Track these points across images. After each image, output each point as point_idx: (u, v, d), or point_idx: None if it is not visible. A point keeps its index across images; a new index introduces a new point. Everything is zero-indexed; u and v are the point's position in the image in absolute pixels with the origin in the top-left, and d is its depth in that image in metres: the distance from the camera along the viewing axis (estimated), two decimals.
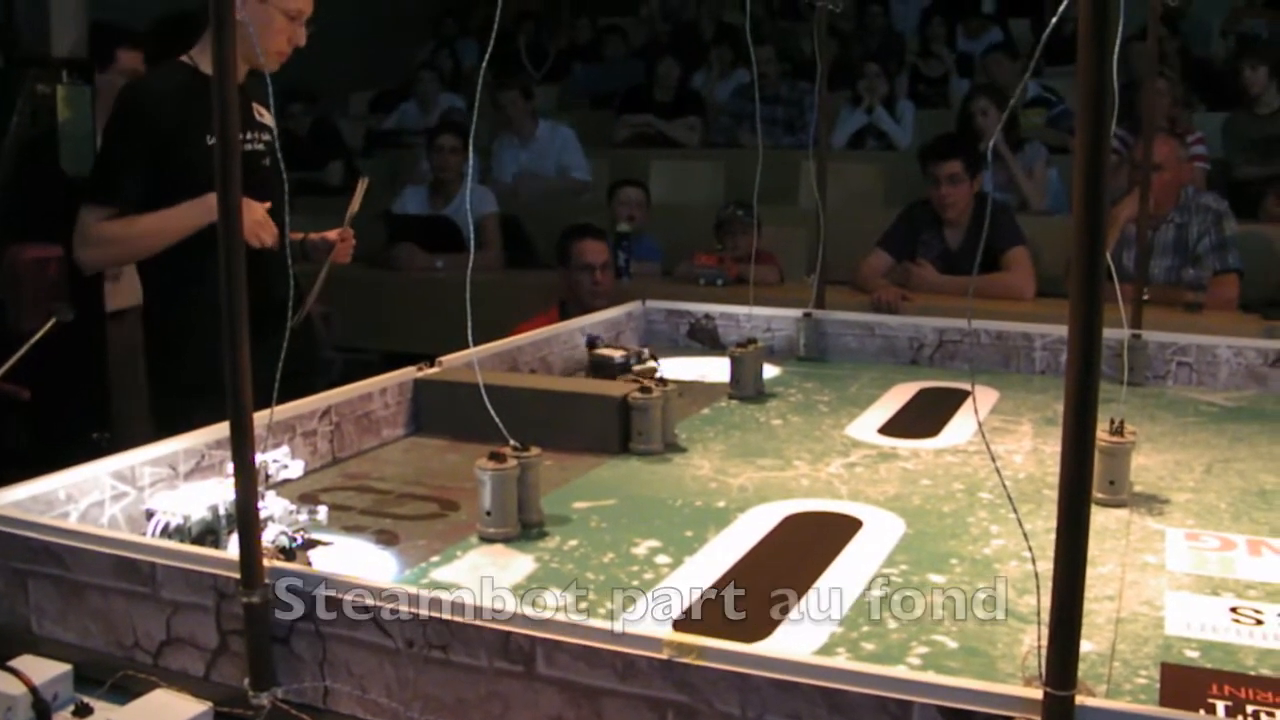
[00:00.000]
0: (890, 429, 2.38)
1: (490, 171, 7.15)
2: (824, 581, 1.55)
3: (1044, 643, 0.99)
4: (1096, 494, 1.87)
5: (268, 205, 2.62)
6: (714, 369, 2.83)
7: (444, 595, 1.21)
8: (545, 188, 6.97)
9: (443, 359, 2.39)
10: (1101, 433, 1.86)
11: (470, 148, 1.97)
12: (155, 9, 4.21)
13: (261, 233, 2.59)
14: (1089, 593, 1.43)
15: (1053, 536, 0.98)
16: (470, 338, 1.76)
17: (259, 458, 1.48)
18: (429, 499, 1.91)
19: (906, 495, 1.94)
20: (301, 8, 2.65)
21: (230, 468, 1.25)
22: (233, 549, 1.30)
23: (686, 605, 1.48)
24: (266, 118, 2.80)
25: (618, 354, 2.57)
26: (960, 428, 2.36)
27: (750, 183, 2.68)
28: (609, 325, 3.08)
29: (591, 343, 2.66)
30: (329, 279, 2.76)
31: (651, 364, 2.57)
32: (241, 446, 1.22)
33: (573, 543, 1.70)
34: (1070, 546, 0.97)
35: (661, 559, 1.64)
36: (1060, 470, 0.97)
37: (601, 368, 2.56)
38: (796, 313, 3.09)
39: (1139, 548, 1.71)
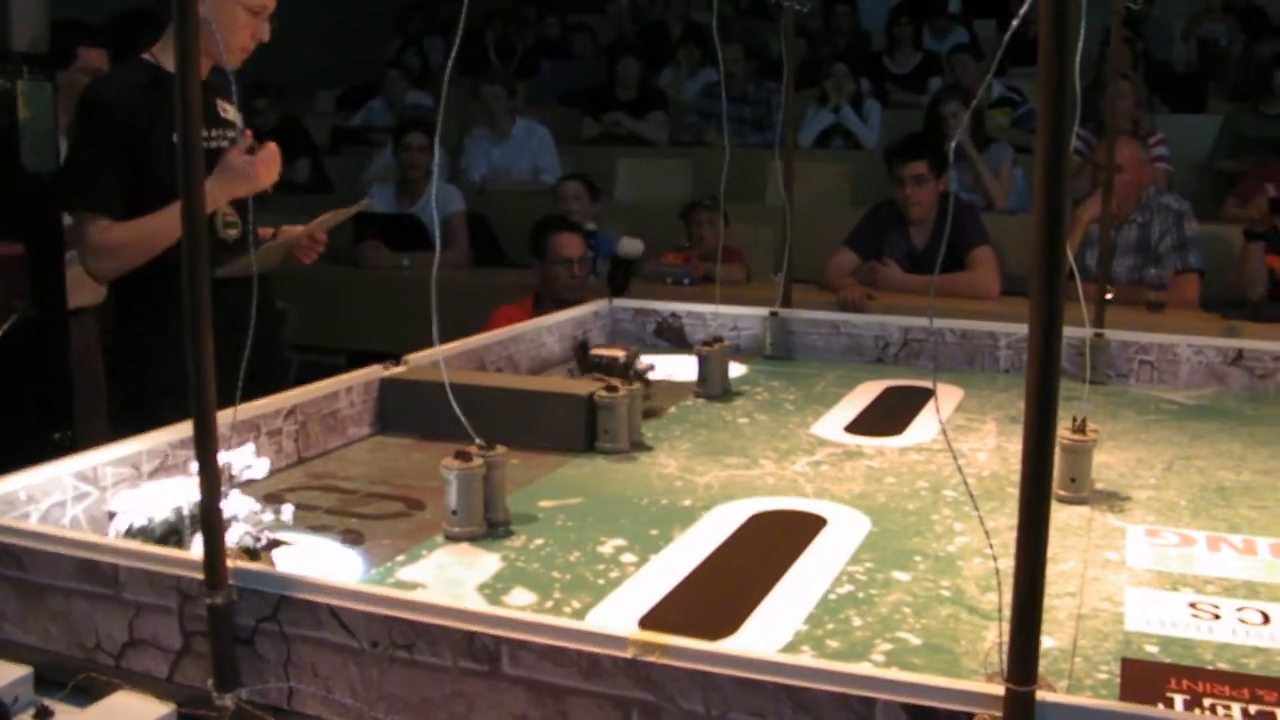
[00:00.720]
0: (856, 427, 2.39)
1: (461, 168, 7.14)
2: (789, 579, 1.56)
3: (1006, 639, 1.00)
4: (1058, 491, 1.89)
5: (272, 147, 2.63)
6: (680, 367, 2.83)
7: (409, 595, 1.20)
8: (512, 187, 6.96)
9: (408, 357, 2.38)
10: (1063, 430, 1.88)
11: (436, 146, 1.98)
12: (115, 5, 4.18)
13: (267, 170, 2.58)
14: (1050, 589, 1.45)
15: (1015, 534, 0.99)
16: (436, 336, 1.76)
17: (223, 457, 1.47)
18: (394, 498, 1.90)
19: (871, 493, 1.95)
20: (264, 2, 2.63)
21: (194, 467, 1.25)
22: (196, 550, 1.29)
23: (652, 603, 1.48)
24: (231, 114, 2.78)
25: (620, 354, 2.52)
26: (925, 426, 2.37)
27: (717, 181, 2.68)
28: (576, 324, 3.08)
29: (584, 344, 2.62)
30: (284, 253, 2.76)
31: (646, 362, 2.55)
32: (205, 446, 1.21)
33: (539, 541, 1.70)
34: (1031, 543, 0.98)
35: (627, 557, 1.64)
36: (1021, 468, 0.98)
37: (600, 368, 2.50)
38: (763, 311, 3.10)
39: (1100, 544, 1.73)
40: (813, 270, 4.93)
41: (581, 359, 2.59)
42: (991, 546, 1.27)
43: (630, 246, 4.98)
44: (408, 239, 5.80)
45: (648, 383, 2.47)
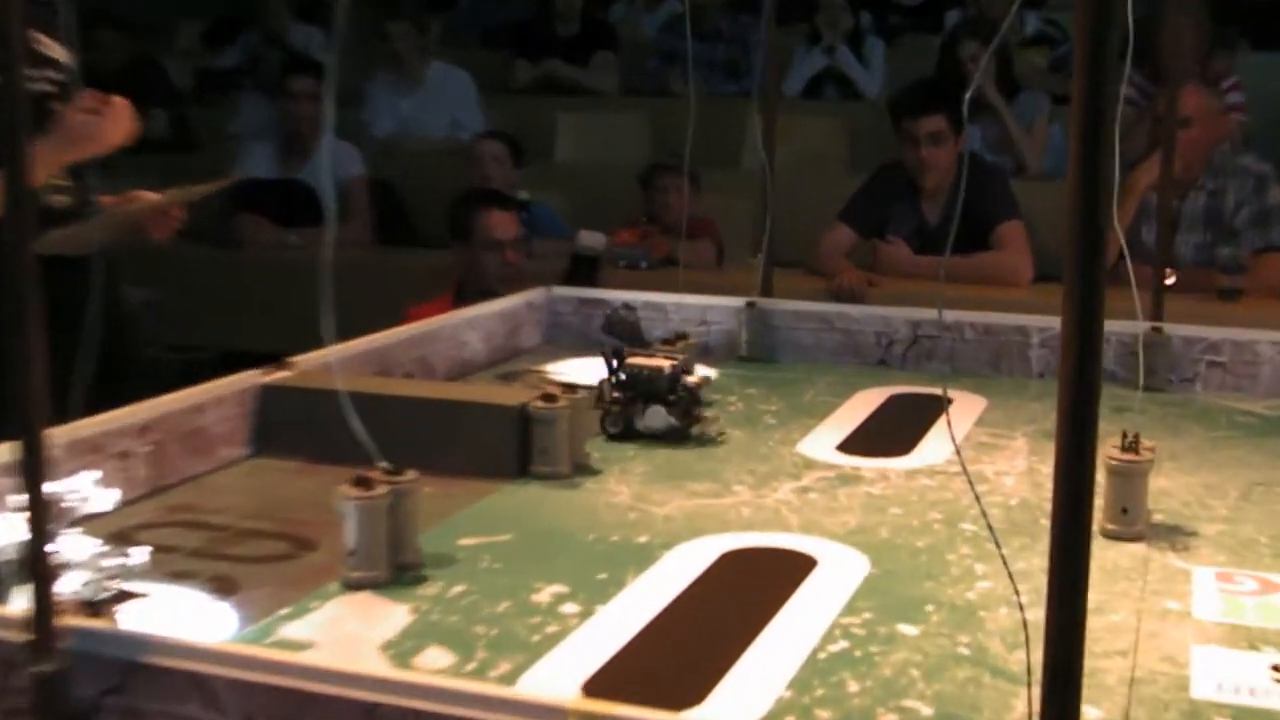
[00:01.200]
0: (852, 445, 2.40)
1: (361, 122, 7.11)
2: (769, 634, 1.57)
3: (1037, 707, 1.01)
4: (1106, 525, 1.90)
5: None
6: None
7: (295, 657, 1.20)
8: (425, 146, 6.94)
9: (295, 359, 2.37)
10: (1111, 449, 1.89)
11: (329, 94, 1.98)
12: None
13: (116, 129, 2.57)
14: (1097, 646, 1.46)
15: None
16: (330, 331, 1.75)
17: (54, 487, 1.46)
18: (277, 536, 1.90)
19: (871, 527, 1.96)
20: None
21: (16, 500, 1.24)
22: (19, 605, 1.28)
23: (599, 665, 1.48)
24: (55, 50, 2.75)
25: (666, 365, 2.42)
26: (938, 443, 2.38)
27: (682, 139, 2.69)
28: (505, 317, 3.07)
29: (618, 352, 2.52)
30: (128, 226, 2.74)
31: (700, 375, 2.48)
32: (32, 472, 1.20)
33: (458, 589, 1.69)
34: (1066, 589, 0.99)
35: (568, 607, 1.64)
36: (1054, 495, 0.99)
37: (639, 383, 2.40)
38: (739, 301, 3.11)
39: (1159, 591, 1.74)
40: (800, 250, 4.95)
41: (613, 370, 2.46)
42: (1019, 594, 1.27)
43: (590, 239, 5.00)
44: (295, 211, 5.78)
45: (699, 401, 2.40)
